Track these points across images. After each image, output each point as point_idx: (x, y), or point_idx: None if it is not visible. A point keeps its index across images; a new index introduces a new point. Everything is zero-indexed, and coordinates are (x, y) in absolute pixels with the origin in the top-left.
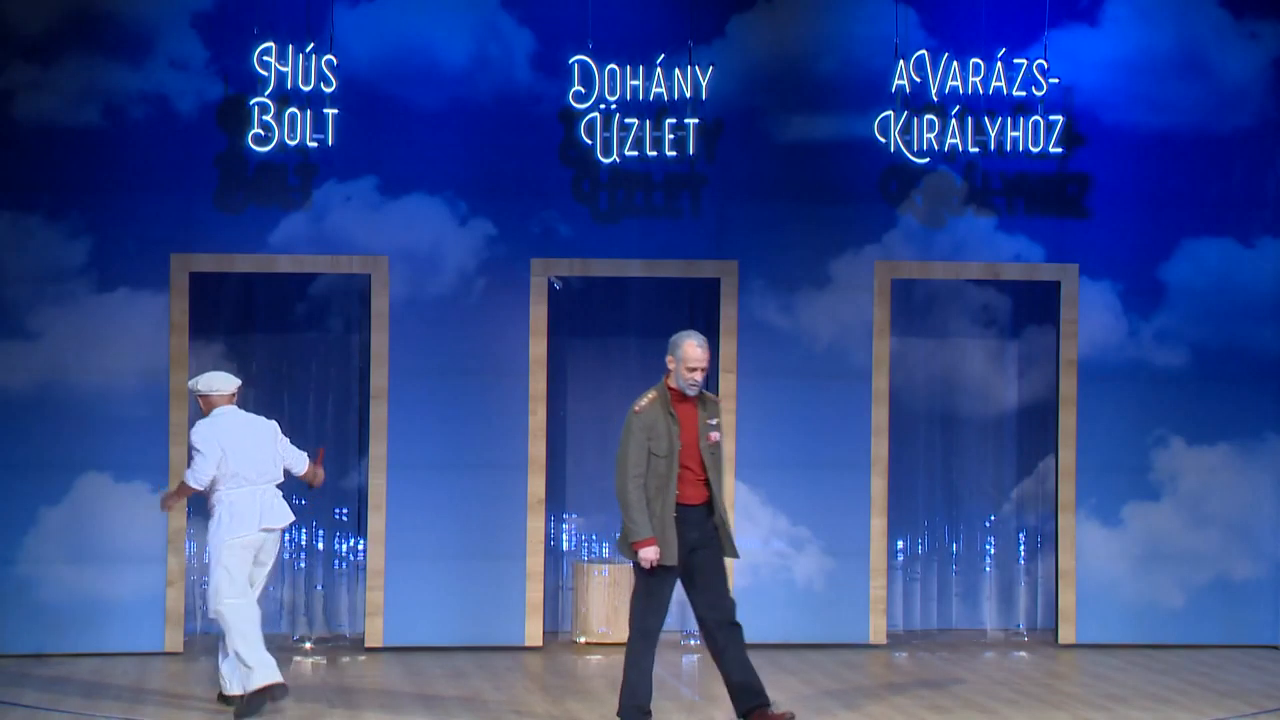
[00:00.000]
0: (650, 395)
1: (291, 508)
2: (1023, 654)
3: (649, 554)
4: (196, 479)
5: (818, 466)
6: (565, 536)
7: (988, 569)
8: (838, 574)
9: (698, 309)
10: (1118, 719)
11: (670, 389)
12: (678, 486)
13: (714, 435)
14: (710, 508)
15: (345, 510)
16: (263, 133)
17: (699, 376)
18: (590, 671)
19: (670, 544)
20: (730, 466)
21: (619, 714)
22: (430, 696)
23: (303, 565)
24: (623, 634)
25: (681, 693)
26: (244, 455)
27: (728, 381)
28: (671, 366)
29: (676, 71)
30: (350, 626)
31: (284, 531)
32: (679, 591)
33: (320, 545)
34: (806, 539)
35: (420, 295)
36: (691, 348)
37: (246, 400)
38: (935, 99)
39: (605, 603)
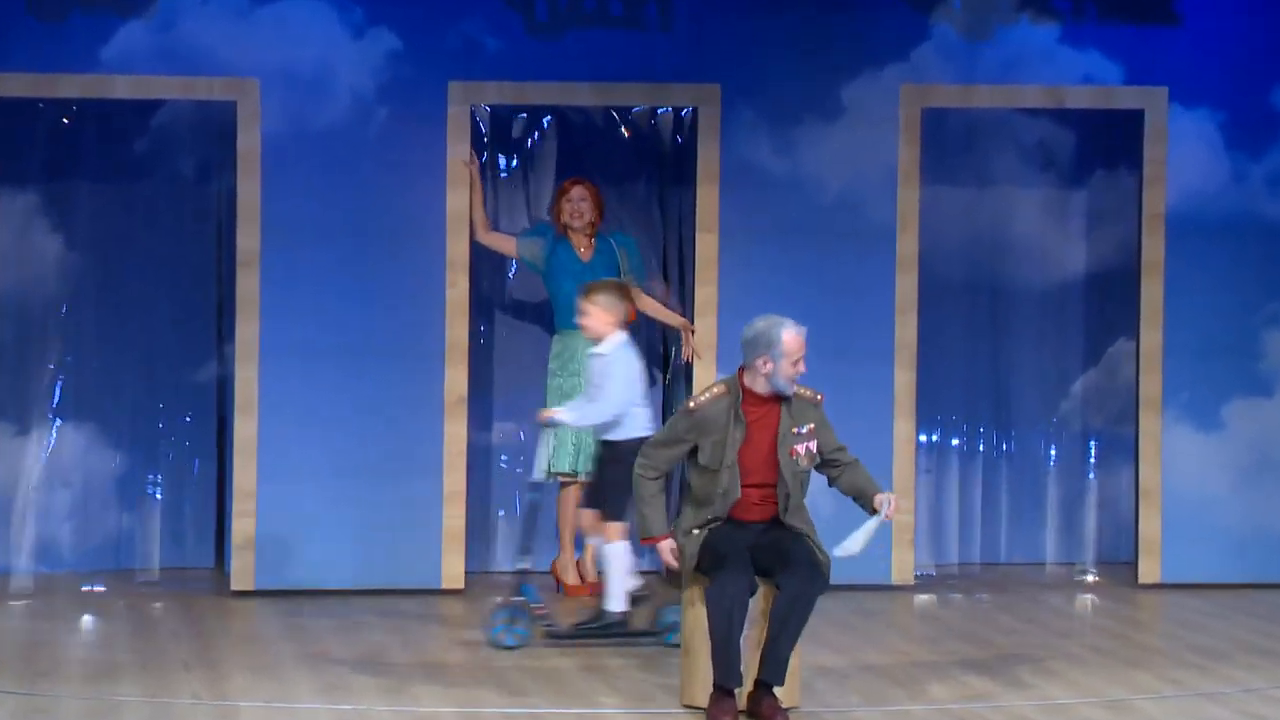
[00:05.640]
0: (715, 390)
1: (143, 409)
2: (1091, 596)
3: (665, 549)
4: None
5: (825, 355)
6: (495, 447)
7: (1046, 487)
8: None
9: (667, 148)
10: (1213, 679)
11: (747, 390)
12: (735, 511)
13: (800, 449)
14: (779, 524)
15: (189, 415)
16: None
17: (803, 369)
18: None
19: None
20: (710, 358)
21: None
22: (316, 655)
23: (151, 487)
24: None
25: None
26: None
27: (706, 243)
28: (766, 368)
29: None
30: (209, 561)
31: None
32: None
33: (171, 457)
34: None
35: (302, 130)
36: (793, 338)
37: (71, 272)
38: None
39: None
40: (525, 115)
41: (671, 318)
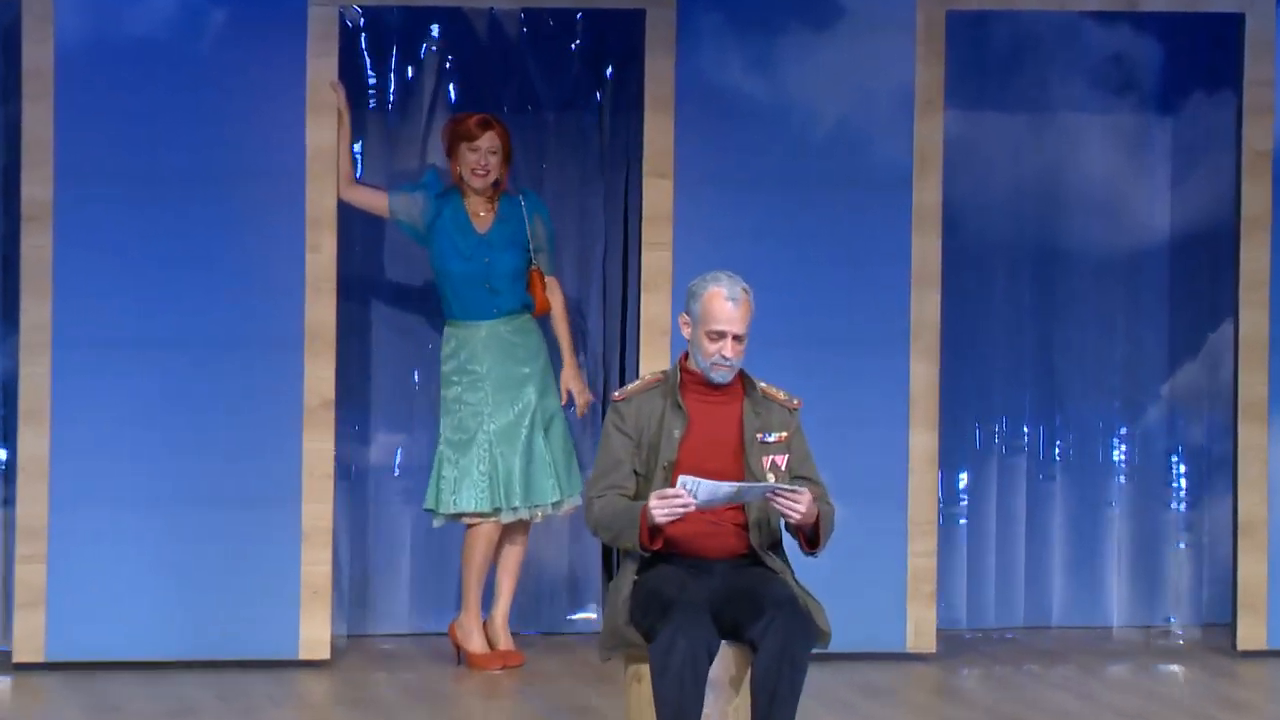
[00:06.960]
0: (648, 377)
1: None
2: (1175, 668)
3: (660, 511)
4: None
5: (813, 343)
6: (372, 468)
7: (1115, 522)
8: (854, 533)
9: (605, 65)
10: None
11: (687, 371)
12: (687, 542)
13: (777, 460)
14: (749, 563)
15: None
16: None
17: (730, 353)
18: (410, 696)
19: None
20: (663, 345)
21: None
22: None
23: None
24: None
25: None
26: None
27: (659, 191)
28: (685, 331)
29: None
30: None
31: None
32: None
33: None
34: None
35: (109, 37)
36: (718, 299)
37: None
38: None
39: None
40: (413, 20)
41: (570, 358)
